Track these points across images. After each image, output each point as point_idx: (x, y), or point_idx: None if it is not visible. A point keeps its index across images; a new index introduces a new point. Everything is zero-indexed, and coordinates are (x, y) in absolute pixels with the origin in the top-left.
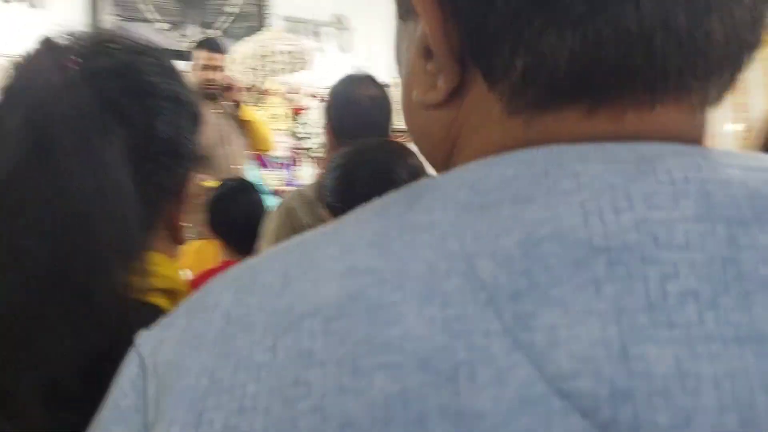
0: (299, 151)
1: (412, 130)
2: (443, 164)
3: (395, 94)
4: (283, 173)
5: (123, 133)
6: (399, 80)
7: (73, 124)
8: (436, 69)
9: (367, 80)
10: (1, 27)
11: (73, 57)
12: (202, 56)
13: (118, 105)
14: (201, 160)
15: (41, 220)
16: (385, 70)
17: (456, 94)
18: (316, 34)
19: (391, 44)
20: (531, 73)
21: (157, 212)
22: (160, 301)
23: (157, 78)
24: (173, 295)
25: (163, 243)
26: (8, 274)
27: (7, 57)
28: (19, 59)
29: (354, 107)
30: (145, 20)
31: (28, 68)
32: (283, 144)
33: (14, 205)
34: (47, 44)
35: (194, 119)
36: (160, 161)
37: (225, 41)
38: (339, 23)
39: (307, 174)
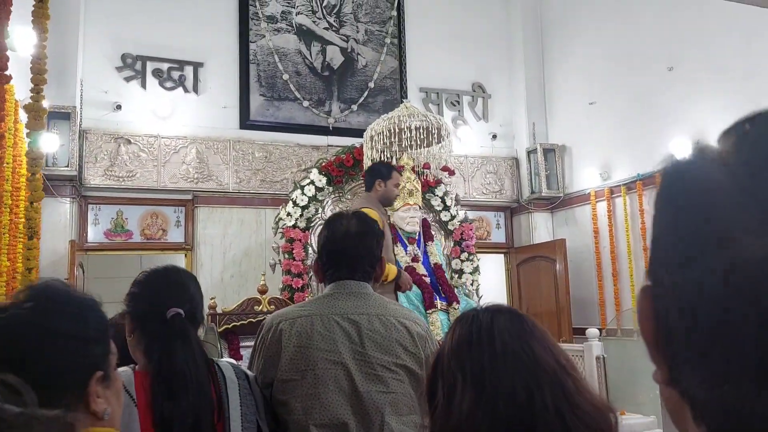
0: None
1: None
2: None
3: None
4: (414, 248)
5: None
6: None
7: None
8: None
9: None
10: (163, 111)
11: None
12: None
13: None
14: None
15: None
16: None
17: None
18: (455, 103)
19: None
20: None
21: None
22: None
23: None
24: None
25: None
26: None
27: (168, 138)
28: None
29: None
30: (293, 99)
31: None
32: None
33: None
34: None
35: None
36: None
37: (363, 116)
38: (480, 91)
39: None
